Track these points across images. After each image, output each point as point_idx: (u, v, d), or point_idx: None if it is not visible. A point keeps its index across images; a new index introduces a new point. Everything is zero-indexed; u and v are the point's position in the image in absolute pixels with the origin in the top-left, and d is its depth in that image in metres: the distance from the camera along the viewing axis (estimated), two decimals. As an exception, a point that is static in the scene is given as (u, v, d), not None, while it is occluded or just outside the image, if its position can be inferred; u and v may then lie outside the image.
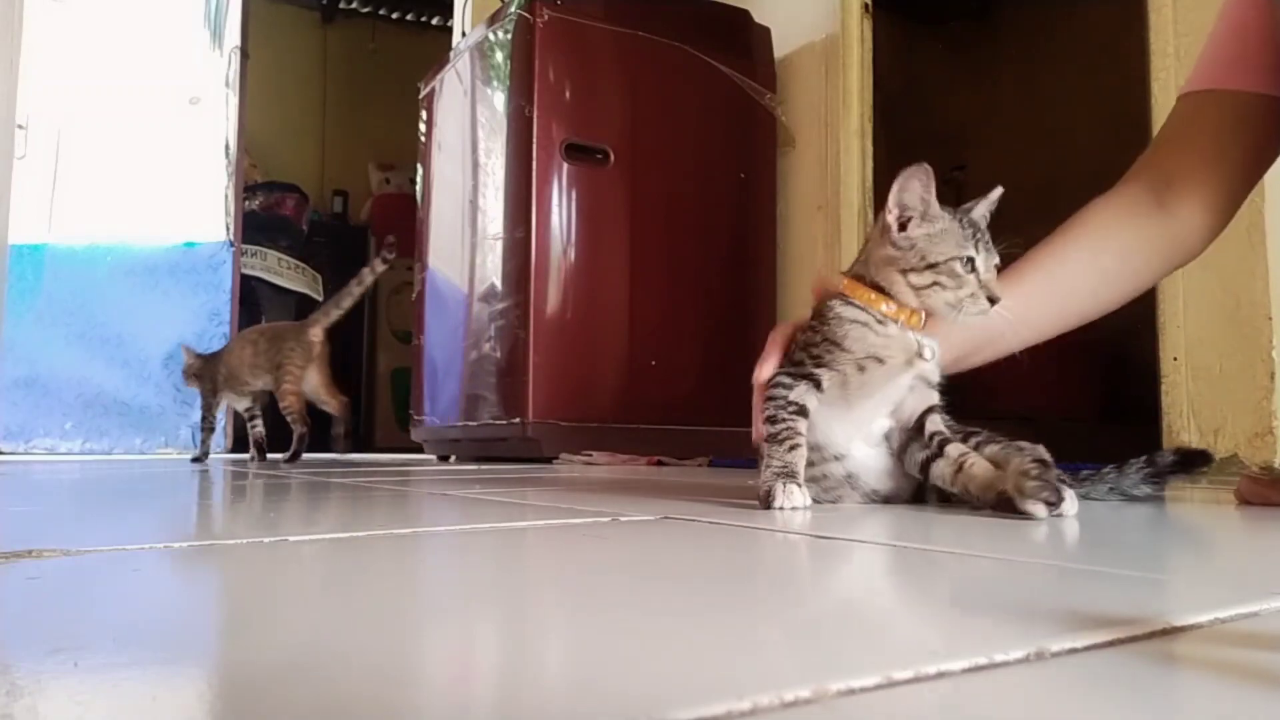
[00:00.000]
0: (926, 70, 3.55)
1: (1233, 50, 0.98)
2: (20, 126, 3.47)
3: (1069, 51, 3.26)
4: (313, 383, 2.35)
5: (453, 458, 2.94)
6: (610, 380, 2.53)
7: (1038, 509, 0.78)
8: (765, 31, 2.91)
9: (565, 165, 2.54)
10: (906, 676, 0.30)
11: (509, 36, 2.62)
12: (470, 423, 2.71)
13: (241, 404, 2.48)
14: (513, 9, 2.61)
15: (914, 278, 0.87)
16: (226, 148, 3.63)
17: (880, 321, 0.88)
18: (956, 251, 0.86)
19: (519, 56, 2.58)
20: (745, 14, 2.90)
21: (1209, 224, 0.98)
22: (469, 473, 1.95)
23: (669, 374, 2.60)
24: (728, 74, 2.79)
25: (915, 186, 0.88)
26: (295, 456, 2.29)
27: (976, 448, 0.88)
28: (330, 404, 2.38)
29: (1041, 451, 0.84)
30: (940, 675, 0.30)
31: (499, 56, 2.70)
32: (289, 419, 2.31)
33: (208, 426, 2.49)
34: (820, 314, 0.92)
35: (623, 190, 2.61)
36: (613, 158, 2.60)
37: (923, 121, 3.34)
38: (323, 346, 2.37)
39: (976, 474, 0.84)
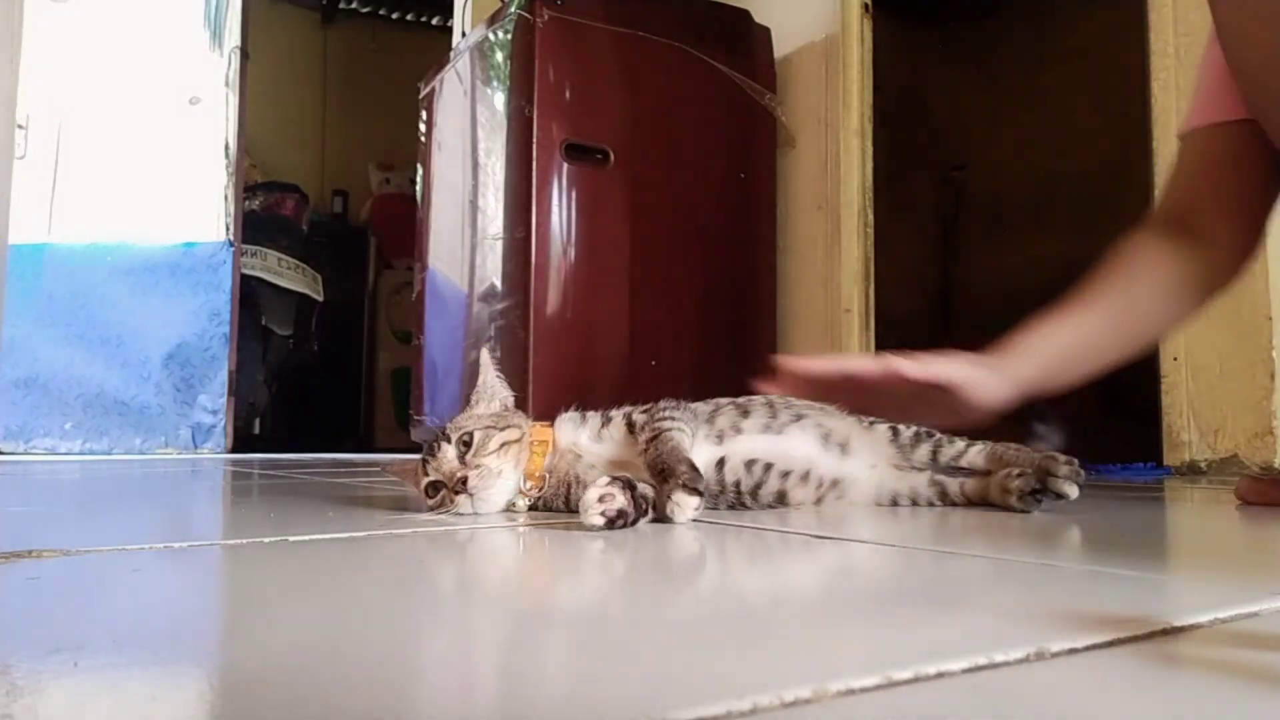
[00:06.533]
0: (926, 70, 3.54)
1: (1218, 83, 1.01)
2: (20, 126, 3.47)
3: (1069, 52, 3.25)
4: None
5: (453, 458, 2.94)
6: (610, 380, 2.52)
7: None
8: (765, 31, 2.91)
9: (565, 165, 2.54)
10: (906, 676, 0.30)
11: (509, 37, 2.62)
12: (470, 423, 2.70)
13: None
14: (513, 9, 2.61)
15: None
16: (226, 148, 3.62)
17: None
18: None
19: (519, 56, 2.58)
20: (745, 14, 2.90)
21: (1240, 247, 1.02)
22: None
23: (669, 374, 2.60)
24: (728, 74, 2.78)
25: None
26: None
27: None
28: None
29: None
30: (940, 675, 0.30)
31: (499, 56, 2.69)
32: None
33: None
34: None
35: (623, 190, 2.61)
36: (613, 158, 2.59)
37: (923, 121, 3.33)
38: None
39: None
